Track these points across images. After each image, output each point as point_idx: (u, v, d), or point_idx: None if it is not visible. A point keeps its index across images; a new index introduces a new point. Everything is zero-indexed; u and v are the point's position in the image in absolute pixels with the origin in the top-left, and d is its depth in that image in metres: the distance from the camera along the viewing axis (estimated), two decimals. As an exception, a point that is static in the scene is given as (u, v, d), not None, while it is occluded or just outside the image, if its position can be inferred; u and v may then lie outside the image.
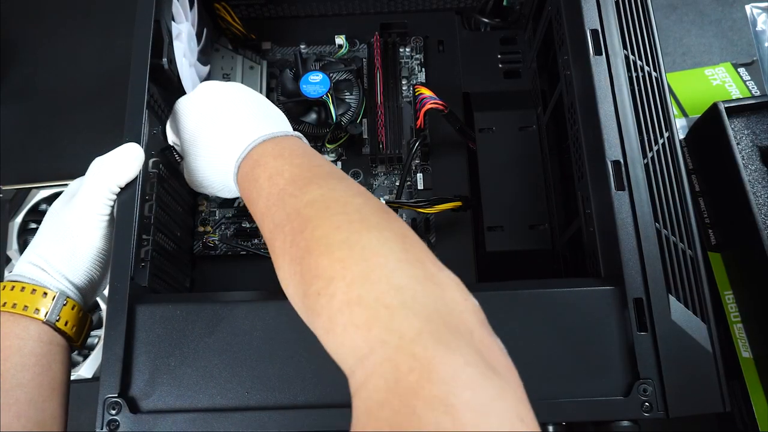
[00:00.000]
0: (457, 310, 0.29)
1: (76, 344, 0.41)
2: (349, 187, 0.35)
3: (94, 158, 0.42)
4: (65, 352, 0.40)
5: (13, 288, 0.39)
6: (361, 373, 0.27)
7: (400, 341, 0.26)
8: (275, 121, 0.43)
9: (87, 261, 0.41)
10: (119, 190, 0.41)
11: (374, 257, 0.30)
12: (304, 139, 0.42)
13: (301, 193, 0.34)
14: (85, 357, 0.60)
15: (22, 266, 0.40)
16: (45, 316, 0.39)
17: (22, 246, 0.65)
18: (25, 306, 0.38)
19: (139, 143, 0.42)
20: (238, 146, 0.40)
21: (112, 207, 0.41)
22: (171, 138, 0.46)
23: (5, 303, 0.38)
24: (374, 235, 0.31)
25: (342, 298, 0.29)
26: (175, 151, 0.47)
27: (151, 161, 0.46)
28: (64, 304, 0.39)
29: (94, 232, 0.40)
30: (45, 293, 0.39)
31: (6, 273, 0.64)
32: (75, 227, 0.40)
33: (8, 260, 0.64)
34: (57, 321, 0.39)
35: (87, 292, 0.42)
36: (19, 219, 0.65)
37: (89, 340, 0.60)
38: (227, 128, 0.41)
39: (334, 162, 0.61)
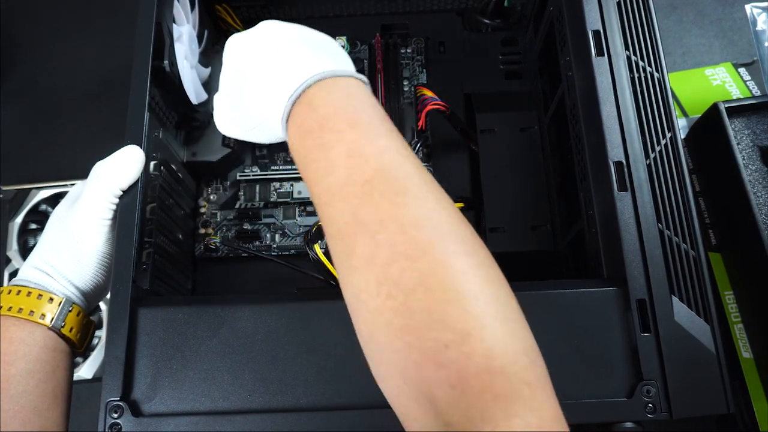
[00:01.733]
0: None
1: (78, 351, 0.41)
2: (445, 206, 0.31)
3: (95, 159, 0.42)
4: (68, 359, 0.40)
5: (19, 292, 0.38)
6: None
7: (540, 421, 0.26)
8: (335, 58, 0.37)
9: (92, 266, 0.40)
10: (121, 193, 0.41)
11: (513, 322, 0.28)
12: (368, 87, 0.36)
13: (401, 203, 0.29)
14: (85, 358, 0.60)
15: (27, 271, 0.40)
16: (51, 321, 0.38)
17: (22, 246, 0.64)
18: (31, 311, 0.38)
19: (140, 145, 0.42)
20: (292, 80, 0.34)
21: (115, 211, 0.41)
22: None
23: (11, 307, 0.38)
24: (504, 287, 0.29)
25: (481, 362, 0.26)
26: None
27: (152, 163, 0.46)
28: (70, 310, 0.39)
29: (98, 236, 0.40)
30: (51, 299, 0.39)
31: (6, 274, 0.64)
32: (79, 233, 0.40)
33: (8, 261, 0.64)
34: (62, 327, 0.39)
35: (91, 298, 0.41)
36: (19, 219, 0.65)
37: (90, 342, 0.60)
38: (282, 61, 0.36)
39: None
